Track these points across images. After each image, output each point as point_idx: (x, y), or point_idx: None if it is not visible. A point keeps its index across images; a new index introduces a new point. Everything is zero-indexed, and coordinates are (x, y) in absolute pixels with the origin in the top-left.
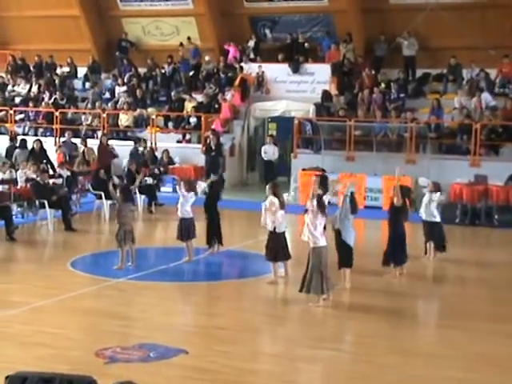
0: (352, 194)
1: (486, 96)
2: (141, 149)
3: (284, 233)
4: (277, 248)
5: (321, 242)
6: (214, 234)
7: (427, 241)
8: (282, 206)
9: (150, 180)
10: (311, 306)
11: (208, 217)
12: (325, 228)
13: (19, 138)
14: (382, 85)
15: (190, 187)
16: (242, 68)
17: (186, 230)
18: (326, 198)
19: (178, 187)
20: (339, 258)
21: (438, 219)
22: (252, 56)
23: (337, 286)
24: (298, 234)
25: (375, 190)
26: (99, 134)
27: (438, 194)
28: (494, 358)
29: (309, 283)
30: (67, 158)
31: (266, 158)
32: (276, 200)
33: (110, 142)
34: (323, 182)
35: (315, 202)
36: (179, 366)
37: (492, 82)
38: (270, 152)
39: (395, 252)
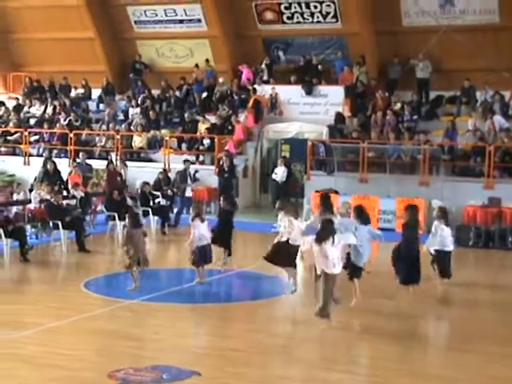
0: (358, 207)
1: (498, 119)
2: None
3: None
4: (283, 253)
5: (333, 269)
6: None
7: (441, 275)
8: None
9: (163, 201)
10: (325, 329)
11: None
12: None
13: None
14: (398, 105)
15: (198, 214)
16: (255, 90)
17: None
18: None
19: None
20: (350, 271)
21: (450, 248)
22: (265, 78)
23: (354, 301)
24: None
25: (388, 212)
26: (113, 155)
27: (447, 228)
28: (506, 381)
29: (323, 308)
30: (82, 179)
31: (276, 180)
32: (291, 218)
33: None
34: (325, 202)
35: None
36: None
37: (506, 103)
38: (279, 174)
39: (403, 270)
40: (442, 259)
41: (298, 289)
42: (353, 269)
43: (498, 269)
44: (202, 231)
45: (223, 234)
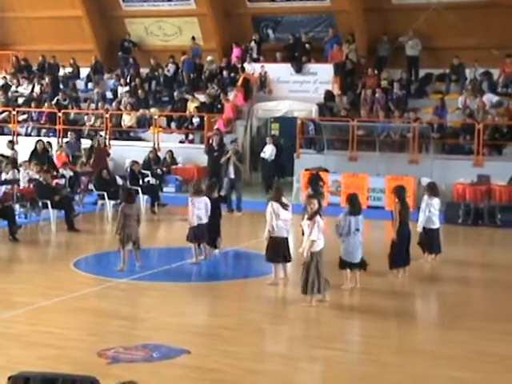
0: (351, 195)
1: (489, 96)
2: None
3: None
4: (277, 250)
5: (317, 245)
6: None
7: (424, 251)
8: (285, 207)
9: (153, 180)
10: (304, 306)
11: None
12: None
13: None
14: (385, 82)
15: (198, 191)
16: (244, 68)
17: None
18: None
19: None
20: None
21: (437, 225)
22: (255, 56)
23: (342, 287)
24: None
25: (378, 190)
26: (101, 133)
27: (437, 200)
28: (497, 357)
29: (305, 284)
30: (70, 158)
31: (265, 158)
32: (276, 204)
33: (113, 142)
34: (314, 181)
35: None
36: (182, 366)
37: (495, 81)
38: (267, 152)
39: (401, 254)
40: (430, 237)
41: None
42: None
43: (487, 246)
44: (199, 209)
45: (213, 224)
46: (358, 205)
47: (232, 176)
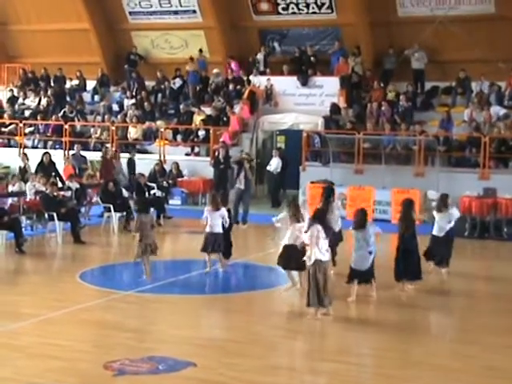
0: (357, 210)
1: (496, 109)
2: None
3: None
4: (290, 256)
5: (320, 256)
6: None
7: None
8: (298, 220)
9: (158, 193)
10: (309, 319)
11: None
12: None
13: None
14: (392, 93)
15: (216, 204)
16: (249, 81)
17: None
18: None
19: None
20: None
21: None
22: (261, 69)
23: (348, 299)
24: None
25: (384, 203)
26: (108, 146)
27: (455, 210)
28: (505, 371)
29: (308, 296)
30: (76, 170)
31: (270, 171)
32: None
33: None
34: (327, 193)
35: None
36: (188, 379)
37: (502, 94)
38: (273, 165)
39: (408, 267)
40: (436, 244)
41: (295, 284)
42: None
43: (494, 259)
44: (214, 219)
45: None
46: (358, 219)
47: (242, 187)
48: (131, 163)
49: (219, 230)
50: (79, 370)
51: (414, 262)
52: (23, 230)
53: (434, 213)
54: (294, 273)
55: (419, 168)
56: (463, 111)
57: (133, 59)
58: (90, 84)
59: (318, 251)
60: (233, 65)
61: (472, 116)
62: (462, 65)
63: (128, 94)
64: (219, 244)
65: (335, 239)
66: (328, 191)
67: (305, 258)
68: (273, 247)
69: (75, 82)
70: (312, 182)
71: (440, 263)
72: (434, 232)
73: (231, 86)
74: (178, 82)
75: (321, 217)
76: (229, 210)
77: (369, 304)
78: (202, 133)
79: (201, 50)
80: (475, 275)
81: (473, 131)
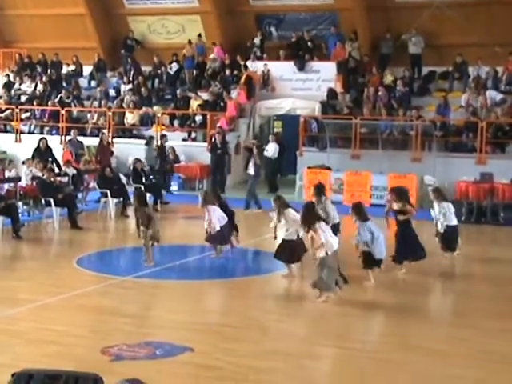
0: (355, 205)
1: (492, 94)
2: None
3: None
4: (291, 252)
5: (328, 249)
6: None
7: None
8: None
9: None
10: (315, 302)
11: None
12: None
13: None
14: (389, 77)
15: (208, 200)
16: (246, 66)
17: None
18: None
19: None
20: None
21: (454, 222)
22: (258, 54)
23: (366, 283)
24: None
25: (380, 188)
26: (105, 131)
27: (450, 205)
28: (502, 355)
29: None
30: (74, 156)
31: (268, 156)
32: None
33: (116, 140)
34: (319, 191)
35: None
36: (185, 364)
37: (498, 79)
38: (270, 150)
39: (406, 250)
40: (447, 233)
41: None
42: (370, 260)
43: (491, 244)
44: (219, 213)
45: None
46: (362, 210)
47: (252, 173)
48: (163, 150)
49: (218, 226)
50: (76, 355)
51: (414, 242)
52: (20, 215)
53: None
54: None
55: (416, 153)
56: (460, 96)
57: (129, 44)
58: (87, 69)
59: (328, 244)
60: (215, 50)
61: (469, 101)
62: (458, 49)
63: (125, 79)
64: (224, 236)
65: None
66: (317, 189)
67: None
68: (269, 232)
69: (72, 67)
70: (309, 167)
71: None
72: (451, 222)
73: (228, 72)
74: (174, 67)
75: (312, 215)
76: (222, 202)
77: (366, 287)
78: (198, 118)
79: (200, 35)
80: (472, 259)
81: (470, 116)
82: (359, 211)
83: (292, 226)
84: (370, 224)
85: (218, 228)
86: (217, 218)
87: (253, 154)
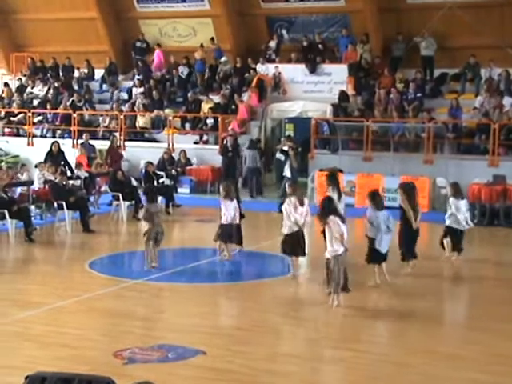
0: (372, 192)
1: (508, 100)
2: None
3: (301, 231)
4: (293, 243)
5: (337, 251)
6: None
7: (453, 249)
8: (301, 203)
9: (167, 181)
10: (326, 304)
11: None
12: None
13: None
14: (401, 84)
15: (230, 195)
16: (255, 69)
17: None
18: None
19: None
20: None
21: (468, 226)
22: (273, 57)
23: (370, 283)
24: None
25: (392, 191)
26: (116, 134)
27: (466, 201)
28: None
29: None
30: (87, 159)
31: (280, 159)
32: (292, 200)
33: (128, 143)
34: (332, 180)
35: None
36: (197, 367)
37: (510, 81)
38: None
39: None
40: (456, 237)
41: (298, 272)
42: (373, 253)
43: (503, 246)
44: (230, 210)
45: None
46: (380, 199)
47: (288, 175)
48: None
49: (237, 221)
50: (89, 358)
51: (416, 242)
52: (32, 219)
53: (455, 201)
54: (300, 260)
55: (428, 155)
56: (472, 98)
57: (139, 46)
58: (98, 73)
59: (335, 247)
60: (156, 54)
61: (484, 103)
62: (471, 51)
63: (136, 82)
64: (235, 235)
65: None
66: (332, 178)
67: (328, 255)
68: (278, 236)
69: (83, 70)
70: (321, 170)
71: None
72: (458, 226)
73: (240, 74)
74: (184, 70)
75: (332, 207)
76: (238, 201)
77: (376, 291)
78: (210, 121)
79: (212, 39)
80: (484, 262)
81: (481, 118)
82: (375, 199)
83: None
84: (383, 215)
85: (233, 221)
86: (225, 214)
87: (289, 156)
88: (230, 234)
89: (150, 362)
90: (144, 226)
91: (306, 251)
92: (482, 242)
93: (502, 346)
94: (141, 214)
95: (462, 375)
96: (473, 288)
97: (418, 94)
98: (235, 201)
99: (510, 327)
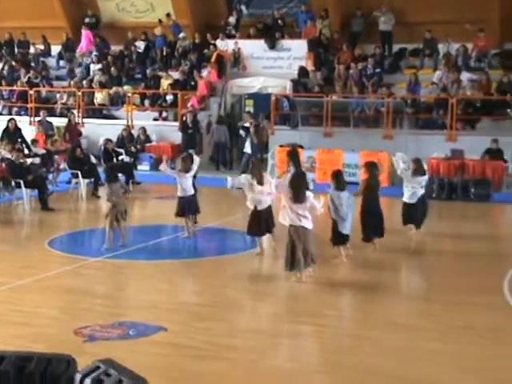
0: (335, 172)
1: (465, 75)
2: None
3: (266, 209)
4: (257, 223)
5: (302, 223)
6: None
7: (405, 223)
8: (259, 182)
9: (127, 158)
10: (293, 281)
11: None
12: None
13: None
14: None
15: (187, 166)
16: (215, 45)
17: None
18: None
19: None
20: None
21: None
22: (233, 32)
23: (334, 260)
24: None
25: (352, 166)
26: (74, 112)
27: (426, 177)
28: (471, 329)
29: (291, 260)
30: (44, 137)
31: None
32: (248, 177)
33: (86, 120)
34: (293, 157)
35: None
36: (158, 343)
37: (468, 56)
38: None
39: (377, 225)
40: (411, 211)
41: (263, 250)
42: (337, 235)
43: (461, 220)
44: (185, 182)
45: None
46: (342, 179)
47: (249, 151)
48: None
49: (191, 191)
50: (49, 335)
51: (381, 220)
52: None
53: (408, 177)
54: (264, 238)
55: (387, 130)
56: (430, 73)
57: (88, 22)
58: (55, 49)
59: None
60: (83, 35)
61: (443, 79)
62: (429, 26)
63: (94, 58)
64: (192, 207)
65: None
66: (292, 154)
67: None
68: (241, 212)
69: (39, 46)
70: (281, 146)
71: (419, 227)
72: (409, 199)
73: (195, 52)
74: (141, 45)
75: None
76: (194, 176)
77: (337, 265)
78: (169, 97)
79: (168, 14)
80: (442, 235)
81: (440, 93)
82: (338, 179)
83: (255, 196)
84: (345, 195)
85: (189, 193)
86: (182, 187)
87: (250, 132)
88: (187, 207)
89: (111, 340)
90: (108, 206)
91: (273, 228)
92: (441, 215)
93: (457, 317)
94: (101, 192)
95: (419, 346)
96: (430, 261)
97: (377, 70)
98: (191, 173)
99: (466, 298)
